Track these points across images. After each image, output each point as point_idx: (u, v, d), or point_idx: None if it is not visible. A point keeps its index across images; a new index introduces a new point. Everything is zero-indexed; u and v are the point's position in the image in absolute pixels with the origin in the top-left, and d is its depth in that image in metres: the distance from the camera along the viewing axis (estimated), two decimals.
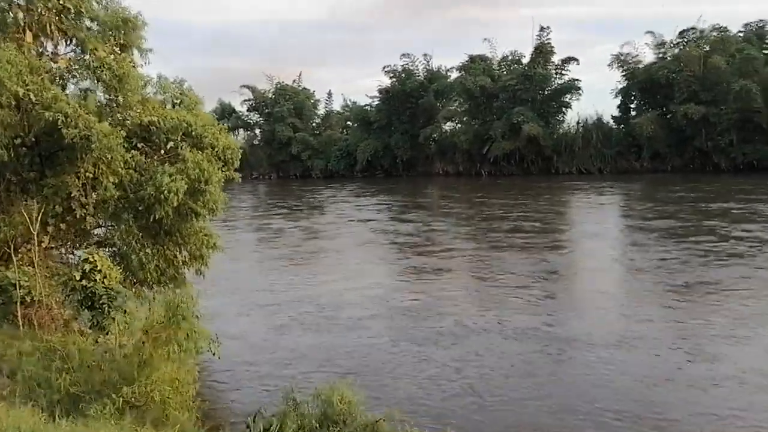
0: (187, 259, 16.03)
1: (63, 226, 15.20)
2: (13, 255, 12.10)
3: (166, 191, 14.16)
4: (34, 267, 14.08)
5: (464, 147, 65.68)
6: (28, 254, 14.53)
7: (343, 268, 24.21)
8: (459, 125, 69.25)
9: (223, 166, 15.91)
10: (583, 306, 17.99)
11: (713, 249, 23.67)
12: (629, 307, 17.09)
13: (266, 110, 79.43)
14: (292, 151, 75.29)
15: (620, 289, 19.88)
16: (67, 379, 7.18)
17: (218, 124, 16.22)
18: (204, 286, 15.46)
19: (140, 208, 14.80)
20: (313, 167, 74.76)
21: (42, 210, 14.60)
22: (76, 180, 13.99)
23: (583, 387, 11.74)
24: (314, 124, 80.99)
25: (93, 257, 10.85)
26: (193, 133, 15.21)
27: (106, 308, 10.70)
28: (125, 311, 10.91)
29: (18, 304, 11.57)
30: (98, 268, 10.84)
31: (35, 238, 12.68)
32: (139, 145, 15.19)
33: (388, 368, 13.51)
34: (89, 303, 10.87)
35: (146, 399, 7.02)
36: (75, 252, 15.69)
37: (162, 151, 15.33)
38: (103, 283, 10.80)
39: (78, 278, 10.71)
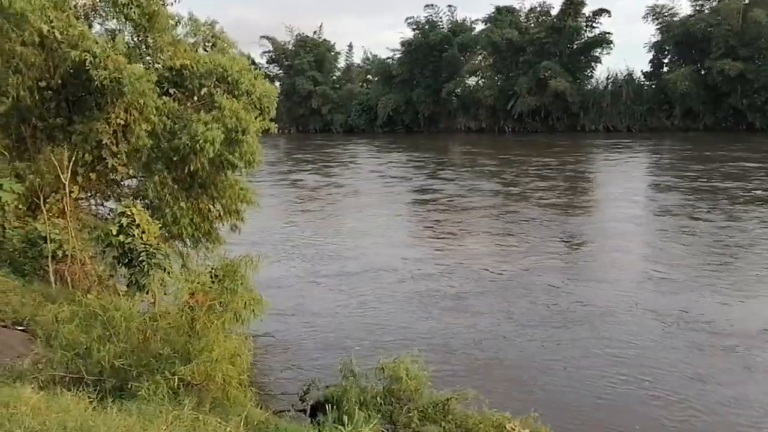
0: (221, 214, 15.12)
1: (93, 176, 14.30)
2: (42, 205, 11.20)
3: (201, 141, 13.16)
4: (65, 219, 13.25)
5: (488, 102, 63.93)
6: (56, 205, 13.68)
7: (377, 226, 23.25)
8: (483, 80, 67.28)
9: (259, 114, 14.87)
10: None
11: (744, 212, 22.51)
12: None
13: (286, 62, 77.70)
14: (313, 105, 73.85)
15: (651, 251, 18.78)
16: (111, 351, 6.29)
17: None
18: (237, 239, 14.60)
19: (174, 159, 13.86)
20: (333, 122, 73.38)
21: (71, 158, 13.68)
22: (107, 127, 13.01)
23: None
24: (334, 78, 79.24)
25: (130, 210, 9.91)
26: (229, 78, 14.13)
27: (146, 266, 9.80)
28: (166, 270, 10.01)
29: (50, 258, 10.72)
30: (136, 223, 9.91)
31: (66, 187, 11.78)
32: (171, 91, 14.15)
33: (440, 336, 12.61)
34: (126, 260, 9.97)
35: (205, 378, 6.15)
36: (105, 204, 14.83)
37: (195, 98, 14.29)
38: (141, 238, 9.88)
39: (114, 233, 9.80)
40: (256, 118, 14.40)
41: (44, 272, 11.05)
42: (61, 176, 12.99)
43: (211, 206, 14.98)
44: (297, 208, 27.78)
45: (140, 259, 9.81)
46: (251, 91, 14.50)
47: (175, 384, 5.91)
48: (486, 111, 65.26)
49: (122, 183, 14.27)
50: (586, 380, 10.29)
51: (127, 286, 10.33)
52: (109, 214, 15.05)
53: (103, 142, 13.25)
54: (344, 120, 72.54)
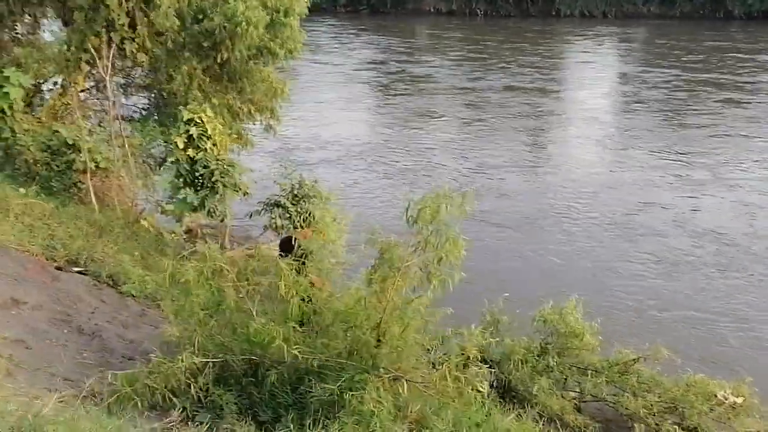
0: (251, 112, 12.93)
1: (100, 63, 11.83)
2: (74, 101, 8.95)
3: (243, 23, 10.85)
4: (61, 119, 11.00)
5: None
6: (59, 101, 11.32)
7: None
8: None
9: None
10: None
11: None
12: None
13: None
14: None
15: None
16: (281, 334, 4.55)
17: None
18: None
19: (204, 45, 11.49)
20: None
21: (71, 41, 11.23)
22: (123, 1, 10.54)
23: None
24: None
25: (200, 117, 7.82)
26: None
27: (220, 187, 7.87)
28: (240, 191, 8.12)
29: (88, 173, 8.58)
30: (207, 133, 7.86)
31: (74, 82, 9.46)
32: None
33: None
34: (192, 179, 8.01)
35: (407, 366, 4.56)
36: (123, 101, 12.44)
37: None
38: (213, 151, 7.88)
39: (180, 146, 7.76)
40: None
41: (77, 189, 8.93)
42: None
43: (242, 104, 12.74)
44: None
45: (213, 179, 7.85)
46: None
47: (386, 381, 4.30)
48: None
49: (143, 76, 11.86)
50: None
51: (193, 210, 8.43)
52: (124, 117, 12.71)
53: (117, 21, 10.79)
54: None
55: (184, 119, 8.08)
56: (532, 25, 53.32)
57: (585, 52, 39.95)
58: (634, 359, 6.50)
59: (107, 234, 7.87)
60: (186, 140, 7.91)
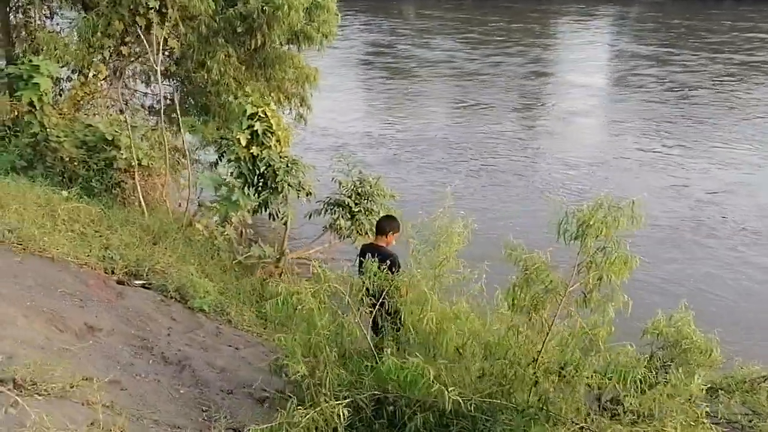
0: (281, 100, 12.20)
1: (124, 50, 11.12)
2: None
3: (285, 6, 10.13)
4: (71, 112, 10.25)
5: None
6: (79, 92, 10.54)
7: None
8: None
9: None
10: None
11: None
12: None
13: None
14: None
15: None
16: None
17: None
18: None
19: (239, 30, 10.74)
20: None
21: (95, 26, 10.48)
22: None
23: None
24: None
25: (264, 111, 7.09)
26: None
27: (285, 187, 7.17)
28: (304, 191, 7.42)
29: (136, 172, 7.82)
30: (272, 128, 7.14)
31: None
32: None
33: None
34: (254, 178, 7.30)
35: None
36: (150, 90, 11.64)
37: None
38: (276, 148, 7.17)
39: (243, 143, 7.03)
40: None
41: (120, 190, 8.17)
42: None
43: (271, 92, 11.98)
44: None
45: (278, 179, 7.14)
46: None
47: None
48: None
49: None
50: None
51: (252, 213, 7.73)
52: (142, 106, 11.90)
53: (147, 5, 10.01)
54: None
55: (247, 114, 7.33)
56: (525, 5, 52.43)
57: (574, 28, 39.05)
58: (763, 377, 5.95)
59: (163, 240, 7.15)
60: (249, 137, 7.18)
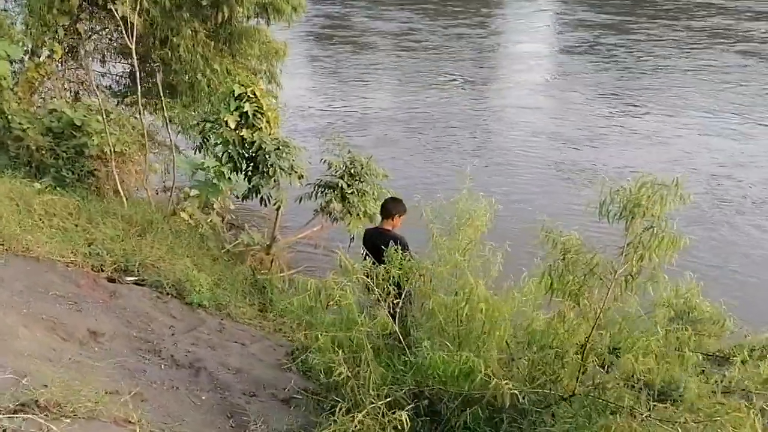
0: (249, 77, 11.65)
1: (81, 27, 10.45)
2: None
3: None
4: (27, 95, 9.67)
5: None
6: (30, 74, 9.86)
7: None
8: None
9: None
10: None
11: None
12: None
13: None
14: None
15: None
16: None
17: None
18: None
19: (203, 3, 10.18)
20: None
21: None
22: None
23: None
24: None
25: (253, 91, 6.67)
26: None
27: (277, 171, 6.80)
28: (296, 173, 7.07)
29: (112, 159, 7.30)
30: (262, 109, 6.74)
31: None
32: None
33: None
34: (244, 162, 6.90)
35: None
36: (107, 70, 10.93)
37: None
38: (267, 130, 6.78)
39: (233, 126, 6.61)
40: None
41: (95, 179, 7.62)
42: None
43: (236, 68, 11.43)
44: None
45: (269, 162, 6.77)
46: None
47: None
48: None
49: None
50: None
51: (243, 198, 7.32)
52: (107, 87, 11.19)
53: None
54: None
55: (235, 94, 6.87)
56: None
57: None
58: None
59: (149, 232, 6.70)
60: (238, 120, 6.74)
